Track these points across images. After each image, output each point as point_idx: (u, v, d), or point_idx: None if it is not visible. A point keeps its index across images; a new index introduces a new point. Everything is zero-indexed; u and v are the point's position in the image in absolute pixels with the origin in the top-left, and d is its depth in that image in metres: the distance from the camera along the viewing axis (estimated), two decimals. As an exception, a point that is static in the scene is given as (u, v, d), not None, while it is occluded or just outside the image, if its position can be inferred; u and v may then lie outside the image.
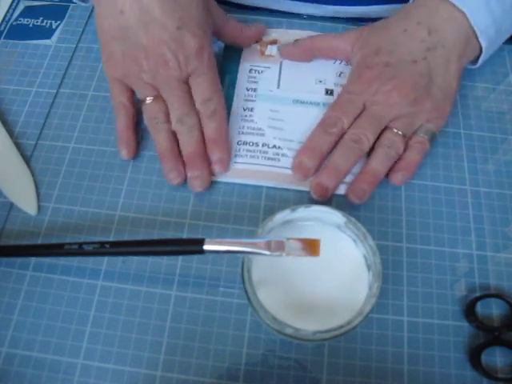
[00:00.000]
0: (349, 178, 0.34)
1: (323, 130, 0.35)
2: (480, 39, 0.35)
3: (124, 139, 0.36)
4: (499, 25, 0.35)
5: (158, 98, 0.35)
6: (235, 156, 0.36)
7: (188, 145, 0.34)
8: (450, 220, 0.34)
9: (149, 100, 0.35)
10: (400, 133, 0.34)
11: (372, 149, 0.34)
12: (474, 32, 0.35)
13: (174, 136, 0.35)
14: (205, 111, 0.35)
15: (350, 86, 0.36)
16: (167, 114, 0.35)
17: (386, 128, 0.34)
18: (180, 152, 0.35)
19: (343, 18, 0.44)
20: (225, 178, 0.35)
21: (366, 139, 0.34)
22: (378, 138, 0.34)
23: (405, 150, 0.35)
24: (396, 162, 0.35)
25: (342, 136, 0.34)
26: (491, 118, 0.38)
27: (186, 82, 0.35)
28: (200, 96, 0.35)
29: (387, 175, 0.35)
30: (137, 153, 0.36)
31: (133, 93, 0.37)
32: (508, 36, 0.39)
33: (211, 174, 0.35)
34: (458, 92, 0.39)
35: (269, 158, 0.36)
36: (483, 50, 0.36)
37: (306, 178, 0.34)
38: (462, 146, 0.37)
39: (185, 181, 0.35)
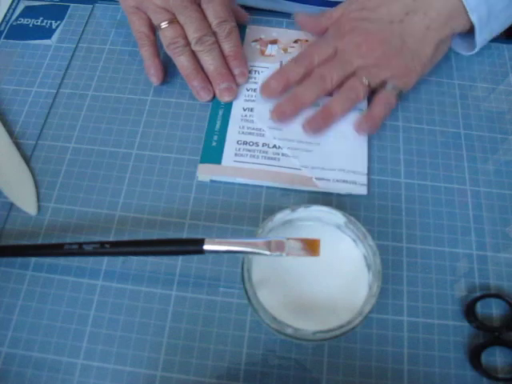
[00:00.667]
0: (337, 175, 0.35)
1: (294, 62, 0.37)
2: (470, 15, 0.36)
3: (152, 66, 0.39)
4: (491, 4, 0.36)
5: (173, 22, 0.37)
6: (235, 155, 0.36)
7: (213, 61, 0.37)
8: (449, 220, 0.34)
9: (164, 25, 0.37)
10: (364, 81, 0.36)
11: None
12: (463, 7, 0.35)
13: (195, 57, 0.38)
14: (221, 32, 0.37)
15: (328, 32, 0.38)
16: (185, 37, 0.37)
17: (351, 76, 0.36)
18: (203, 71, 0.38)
19: None
20: (225, 178, 0.35)
21: (330, 79, 0.36)
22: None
23: (372, 105, 0.37)
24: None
25: (310, 73, 0.37)
26: (491, 117, 0.38)
27: (199, 5, 0.37)
28: (216, 18, 0.37)
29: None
30: (165, 79, 0.40)
31: (151, 22, 0.38)
32: (505, 24, 0.39)
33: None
34: (458, 92, 0.39)
35: (269, 158, 0.36)
36: (476, 28, 0.36)
37: (271, 97, 0.37)
38: (462, 146, 0.37)
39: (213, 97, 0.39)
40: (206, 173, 0.35)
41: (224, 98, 0.38)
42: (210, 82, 0.38)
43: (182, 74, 0.38)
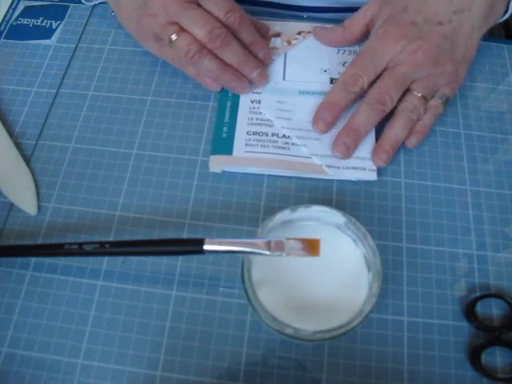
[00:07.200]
0: (346, 162, 0.35)
1: (344, 89, 0.35)
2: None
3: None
4: None
5: (181, 31, 0.34)
6: (246, 145, 0.36)
7: (234, 54, 0.35)
8: (449, 220, 0.34)
9: (174, 37, 0.34)
10: (420, 95, 0.34)
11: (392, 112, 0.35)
12: None
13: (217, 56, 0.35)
14: (232, 22, 0.35)
15: (374, 43, 0.35)
16: (198, 41, 0.34)
17: (407, 91, 0.35)
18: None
19: (348, 10, 0.44)
20: (237, 168, 0.35)
21: (390, 99, 0.34)
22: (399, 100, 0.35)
23: (424, 116, 0.35)
24: None
25: (361, 94, 0.35)
26: (491, 117, 0.38)
27: (199, 6, 0.35)
28: (221, 11, 0.35)
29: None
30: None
31: None
32: None
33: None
34: (458, 92, 0.39)
35: (279, 147, 0.36)
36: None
37: (326, 131, 0.36)
38: (462, 146, 0.37)
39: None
40: (218, 164, 0.35)
41: (261, 83, 0.38)
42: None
43: (211, 78, 0.37)
